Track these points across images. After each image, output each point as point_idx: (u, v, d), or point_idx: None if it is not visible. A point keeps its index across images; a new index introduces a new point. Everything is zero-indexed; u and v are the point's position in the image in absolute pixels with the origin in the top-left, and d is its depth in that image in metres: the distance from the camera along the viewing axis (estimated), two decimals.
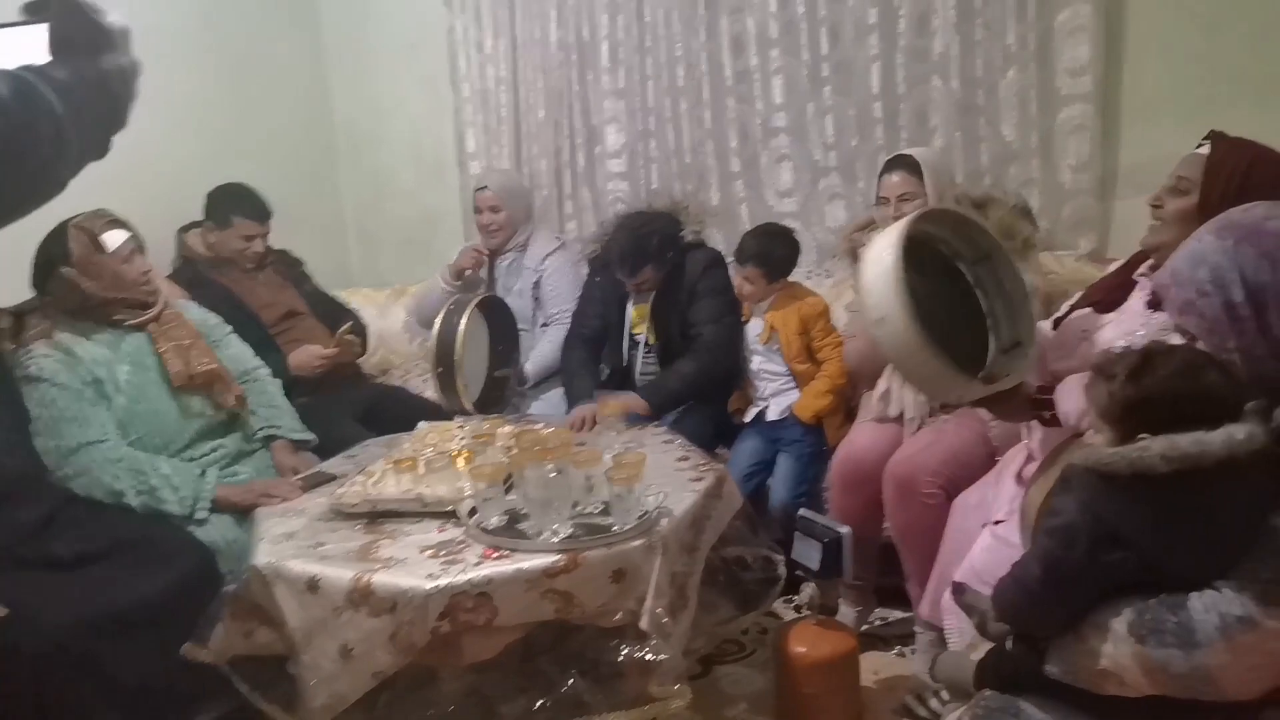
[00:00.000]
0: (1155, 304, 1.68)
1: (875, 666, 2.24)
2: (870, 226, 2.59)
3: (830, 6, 3.17)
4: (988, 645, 1.43)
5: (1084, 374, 1.33)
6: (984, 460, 2.17)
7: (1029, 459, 1.88)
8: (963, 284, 1.75)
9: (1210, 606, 1.10)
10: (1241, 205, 1.28)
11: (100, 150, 1.05)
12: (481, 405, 2.68)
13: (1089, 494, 1.18)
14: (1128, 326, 1.70)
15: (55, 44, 1.01)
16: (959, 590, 1.54)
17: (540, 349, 3.08)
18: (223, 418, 2.33)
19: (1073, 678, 1.22)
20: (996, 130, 3.04)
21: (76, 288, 2.13)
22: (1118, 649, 1.16)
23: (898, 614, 2.48)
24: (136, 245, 2.23)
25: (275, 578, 1.64)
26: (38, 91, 0.94)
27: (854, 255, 2.62)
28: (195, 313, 2.44)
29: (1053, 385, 1.68)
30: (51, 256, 2.14)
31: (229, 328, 2.51)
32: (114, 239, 2.17)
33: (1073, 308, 1.93)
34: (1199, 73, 2.80)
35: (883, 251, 1.58)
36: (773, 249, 2.59)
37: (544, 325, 3.17)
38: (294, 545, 1.75)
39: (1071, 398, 1.59)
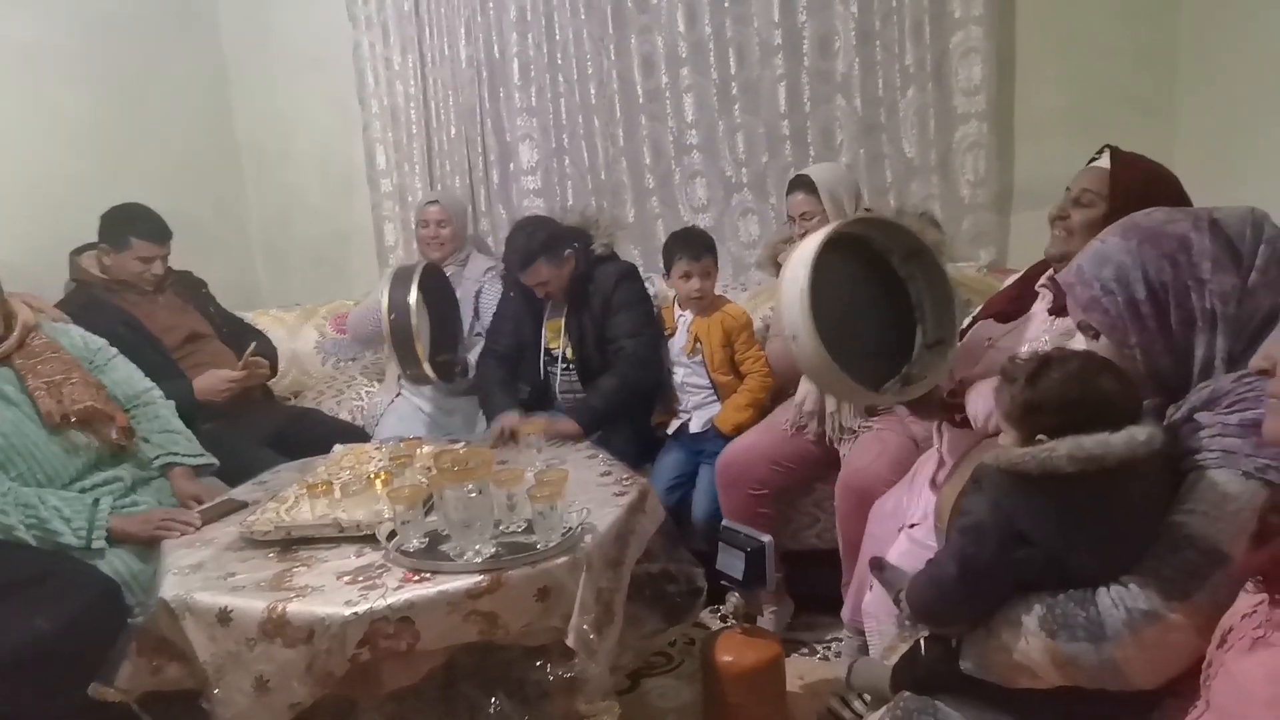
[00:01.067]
0: (1057, 311, 1.76)
1: (800, 671, 2.28)
2: (792, 239, 2.65)
3: (736, 28, 3.24)
4: (902, 650, 1.46)
5: (994, 378, 1.37)
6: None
7: (940, 464, 1.94)
8: (895, 277, 1.80)
9: (1118, 601, 1.15)
10: (1143, 210, 1.33)
11: None
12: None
13: (999, 493, 1.22)
14: (1032, 333, 1.78)
15: None
16: (878, 565, 1.56)
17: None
18: (111, 449, 2.19)
19: (986, 672, 1.26)
20: (898, 148, 3.15)
21: None
22: (1029, 643, 1.19)
23: (823, 619, 2.52)
24: None
25: (184, 610, 1.57)
26: None
27: (776, 264, 2.69)
28: (75, 337, 2.31)
29: (962, 390, 1.74)
30: None
31: (114, 351, 2.37)
32: None
33: (974, 320, 2.00)
34: (1086, 92, 2.96)
35: (797, 269, 1.61)
36: (711, 241, 2.68)
37: (478, 334, 3.16)
38: (203, 576, 1.68)
39: (981, 400, 1.65)
